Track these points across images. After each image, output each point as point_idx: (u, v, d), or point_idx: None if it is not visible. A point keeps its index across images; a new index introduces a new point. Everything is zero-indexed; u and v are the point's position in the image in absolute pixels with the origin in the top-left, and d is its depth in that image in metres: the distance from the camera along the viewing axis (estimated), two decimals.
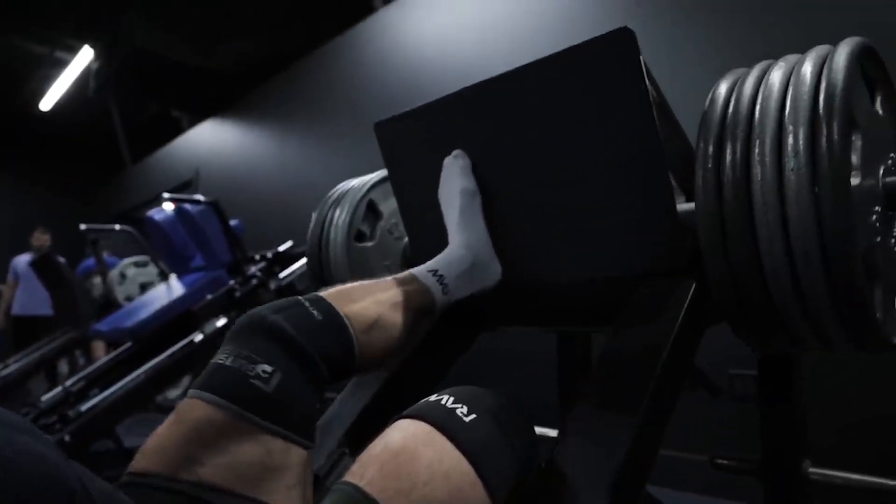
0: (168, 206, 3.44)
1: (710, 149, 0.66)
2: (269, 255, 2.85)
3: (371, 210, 1.17)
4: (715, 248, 0.65)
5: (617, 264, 0.81)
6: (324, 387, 0.63)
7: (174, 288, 3.15)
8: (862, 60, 0.66)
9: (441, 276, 0.83)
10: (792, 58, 0.68)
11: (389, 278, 0.79)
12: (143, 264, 4.56)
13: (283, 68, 4.76)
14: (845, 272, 0.58)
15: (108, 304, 4.28)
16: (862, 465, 0.97)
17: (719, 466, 0.98)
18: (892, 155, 0.71)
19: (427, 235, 0.97)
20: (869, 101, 0.67)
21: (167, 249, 3.44)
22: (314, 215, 1.23)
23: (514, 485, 0.54)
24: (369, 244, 1.15)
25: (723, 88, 0.70)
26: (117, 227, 4.51)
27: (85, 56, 5.70)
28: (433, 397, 0.57)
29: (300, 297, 0.67)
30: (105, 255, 4.66)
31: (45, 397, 2.52)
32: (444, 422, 0.53)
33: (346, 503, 0.47)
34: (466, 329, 0.97)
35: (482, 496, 0.51)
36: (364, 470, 0.49)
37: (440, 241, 0.90)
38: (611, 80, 0.75)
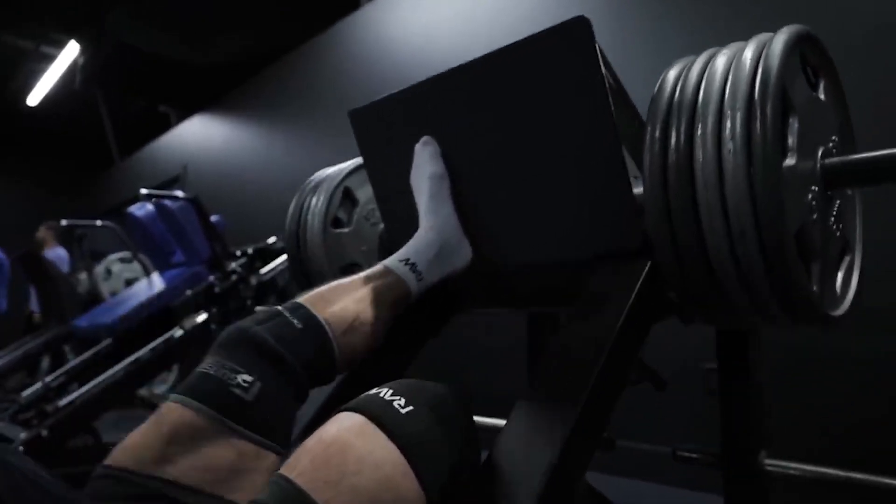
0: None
1: (657, 133, 0.69)
2: (250, 250, 2.85)
3: (347, 197, 1.18)
4: (661, 228, 0.68)
5: (578, 246, 0.84)
6: (305, 394, 0.69)
7: (154, 284, 3.13)
8: (802, 48, 0.69)
9: (413, 263, 0.85)
10: (736, 45, 0.71)
11: (363, 274, 0.82)
12: (129, 260, 4.56)
13: (270, 63, 4.77)
14: (777, 249, 0.61)
15: (95, 299, 4.28)
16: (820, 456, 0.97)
17: (682, 459, 1.01)
18: (833, 138, 0.74)
19: (402, 221, 0.99)
20: (807, 86, 0.70)
21: (148, 245, 3.42)
22: (293, 203, 1.24)
23: (451, 477, 0.54)
24: (346, 230, 1.17)
25: (671, 75, 0.72)
26: (99, 222, 4.51)
27: (71, 51, 5.66)
28: (373, 391, 0.57)
29: (280, 308, 0.71)
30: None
31: (26, 392, 2.53)
32: (379, 414, 0.53)
33: (277, 495, 0.47)
34: (438, 312, 0.98)
35: (414, 487, 0.50)
36: (297, 462, 0.50)
37: (414, 226, 0.92)
38: (568, 69, 0.77)
